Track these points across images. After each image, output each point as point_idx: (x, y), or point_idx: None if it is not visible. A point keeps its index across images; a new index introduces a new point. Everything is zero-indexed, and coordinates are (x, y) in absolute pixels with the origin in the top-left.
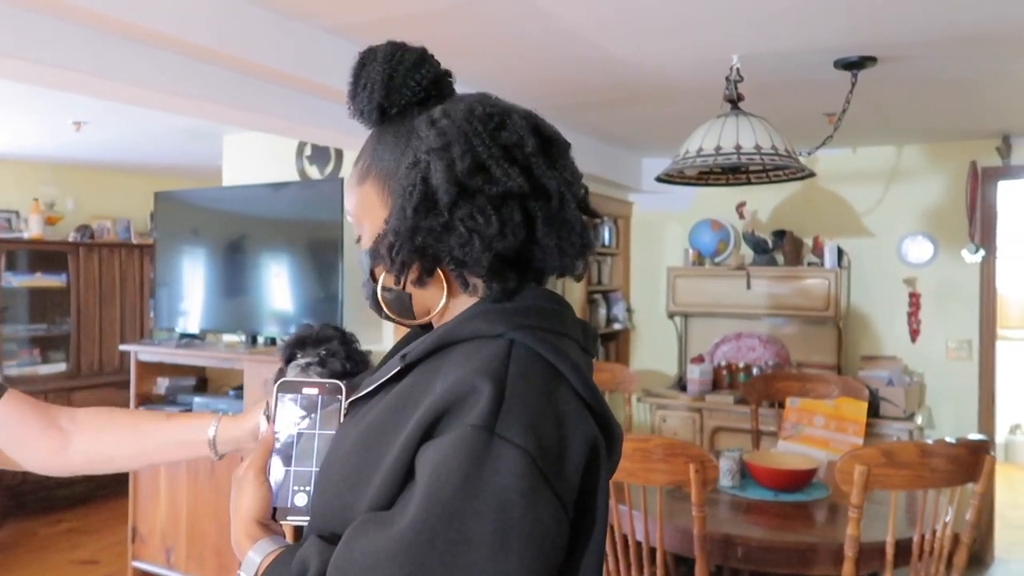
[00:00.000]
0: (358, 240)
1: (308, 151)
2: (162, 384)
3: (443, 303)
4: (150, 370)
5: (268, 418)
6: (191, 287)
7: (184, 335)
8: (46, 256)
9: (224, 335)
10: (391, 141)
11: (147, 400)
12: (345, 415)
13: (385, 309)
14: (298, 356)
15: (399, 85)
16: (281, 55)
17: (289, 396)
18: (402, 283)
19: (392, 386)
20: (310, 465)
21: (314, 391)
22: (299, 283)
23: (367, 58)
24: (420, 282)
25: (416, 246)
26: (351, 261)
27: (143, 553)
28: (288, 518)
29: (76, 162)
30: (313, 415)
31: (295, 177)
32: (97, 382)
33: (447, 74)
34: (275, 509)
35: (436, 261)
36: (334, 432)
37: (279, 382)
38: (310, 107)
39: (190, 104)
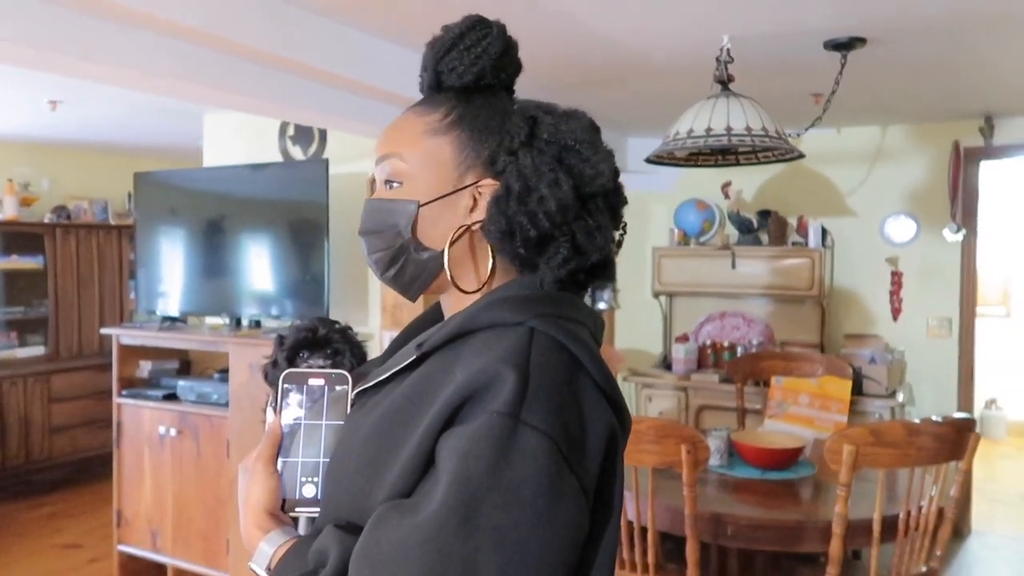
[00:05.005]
0: (388, 186)
1: (291, 131)
2: (145, 367)
3: (483, 279)
4: (132, 353)
5: (274, 409)
6: (172, 269)
7: (165, 318)
8: (22, 238)
9: (206, 318)
10: (484, 113)
11: (130, 384)
12: (352, 405)
13: (448, 267)
14: (304, 356)
15: (508, 63)
16: (262, 34)
17: (295, 387)
18: (448, 247)
19: (406, 375)
20: (317, 456)
21: (320, 382)
22: (282, 265)
23: (479, 24)
24: (476, 254)
25: (557, 223)
26: (337, 243)
27: (128, 537)
28: (297, 509)
29: (52, 142)
30: (319, 406)
31: (278, 157)
32: (77, 365)
33: None
34: (283, 500)
35: (547, 240)
36: (342, 423)
37: (285, 373)
38: (292, 87)
39: (168, 84)
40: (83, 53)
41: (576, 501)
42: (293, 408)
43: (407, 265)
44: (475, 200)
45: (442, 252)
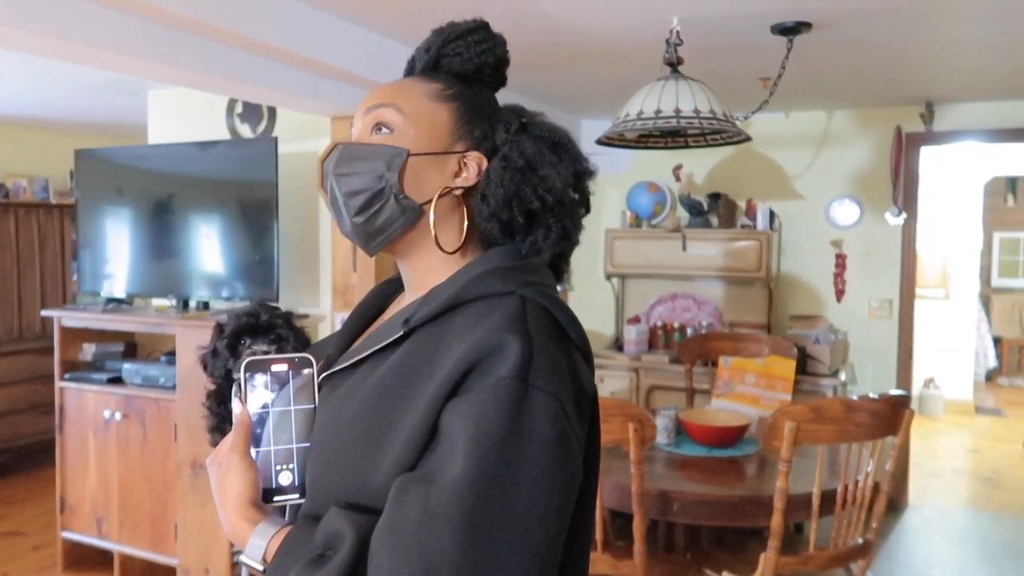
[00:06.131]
0: (377, 130)
1: (239, 108)
2: (88, 350)
3: (459, 243)
4: (75, 336)
5: (240, 400)
6: (116, 250)
7: (110, 299)
8: None
9: (152, 299)
10: (479, 99)
11: (73, 367)
12: (319, 388)
13: (433, 217)
14: (246, 343)
15: (505, 64)
16: (208, 6)
17: (258, 375)
18: (432, 205)
19: (388, 352)
20: (290, 442)
21: (283, 367)
22: (231, 245)
23: (487, 27)
24: (452, 220)
25: (558, 200)
26: (286, 222)
27: (73, 523)
28: (276, 499)
29: None
30: (286, 392)
31: (225, 135)
32: (18, 348)
33: None
34: (262, 491)
35: (541, 217)
36: (311, 406)
37: (247, 361)
38: (241, 63)
39: (109, 57)
40: (17, 22)
41: (577, 456)
42: (259, 395)
43: (382, 211)
44: (460, 167)
45: (422, 205)
